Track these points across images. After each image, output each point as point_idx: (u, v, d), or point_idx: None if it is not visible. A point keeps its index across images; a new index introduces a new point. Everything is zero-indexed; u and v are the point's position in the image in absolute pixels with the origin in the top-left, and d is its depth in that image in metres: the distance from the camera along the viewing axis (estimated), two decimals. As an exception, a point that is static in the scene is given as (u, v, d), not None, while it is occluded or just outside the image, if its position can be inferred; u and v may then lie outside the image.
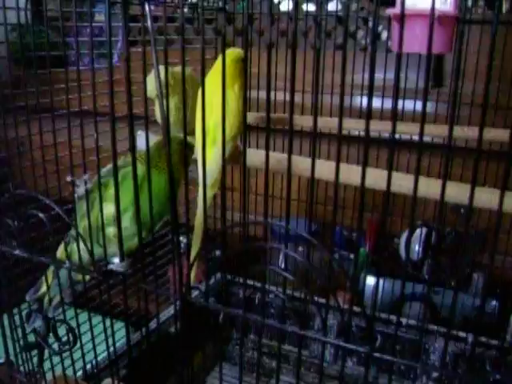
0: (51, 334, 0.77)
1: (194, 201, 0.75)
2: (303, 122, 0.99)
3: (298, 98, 1.12)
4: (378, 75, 1.16)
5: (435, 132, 0.95)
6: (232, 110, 0.73)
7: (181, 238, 1.18)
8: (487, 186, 1.04)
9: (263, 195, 0.54)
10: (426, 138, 1.01)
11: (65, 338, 0.72)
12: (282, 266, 1.38)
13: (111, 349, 0.78)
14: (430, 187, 0.64)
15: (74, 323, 0.78)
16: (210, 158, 0.73)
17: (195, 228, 0.76)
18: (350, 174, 0.65)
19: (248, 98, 0.61)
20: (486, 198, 0.59)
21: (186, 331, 0.65)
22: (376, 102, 1.10)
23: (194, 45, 1.20)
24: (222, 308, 0.54)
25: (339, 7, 1.41)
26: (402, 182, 0.66)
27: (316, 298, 1.07)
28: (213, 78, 0.72)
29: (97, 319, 0.80)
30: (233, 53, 0.77)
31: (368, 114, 0.44)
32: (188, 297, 0.57)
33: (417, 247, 1.24)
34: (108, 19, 0.51)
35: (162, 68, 0.71)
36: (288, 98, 1.08)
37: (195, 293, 0.61)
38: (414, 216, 0.50)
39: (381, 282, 1.23)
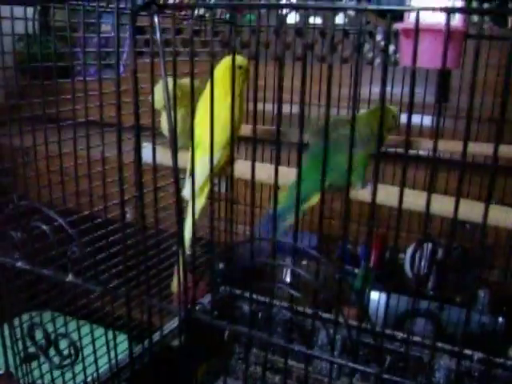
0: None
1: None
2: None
3: (287, 109, 1.11)
4: (387, 89, 1.15)
5: (442, 147, 0.94)
6: (224, 120, 0.70)
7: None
8: (493, 201, 1.03)
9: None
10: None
11: (66, 352, 0.71)
12: (287, 279, 1.38)
13: (113, 361, 0.77)
14: (440, 204, 0.64)
15: (75, 335, 0.77)
16: (197, 166, 0.70)
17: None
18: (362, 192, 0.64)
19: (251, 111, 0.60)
20: (500, 216, 0.59)
21: (190, 346, 0.64)
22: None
23: (200, 56, 1.20)
24: (228, 325, 0.53)
25: (346, 21, 1.41)
26: (410, 198, 0.65)
27: (320, 313, 1.06)
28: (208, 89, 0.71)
29: (99, 331, 0.79)
30: (228, 60, 0.76)
31: (380, 130, 0.44)
32: (192, 313, 0.56)
33: (422, 263, 1.23)
34: (117, 30, 0.50)
35: (169, 79, 0.71)
36: (294, 110, 1.08)
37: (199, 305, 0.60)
38: (426, 232, 0.49)
39: (385, 297, 1.21)
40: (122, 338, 0.81)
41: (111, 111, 0.60)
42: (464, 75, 0.98)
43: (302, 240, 1.20)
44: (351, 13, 1.50)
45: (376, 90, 1.17)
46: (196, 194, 0.68)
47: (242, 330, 0.51)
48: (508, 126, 1.00)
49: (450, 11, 0.37)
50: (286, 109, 1.06)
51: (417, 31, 0.40)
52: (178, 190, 0.58)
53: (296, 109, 1.04)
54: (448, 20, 0.37)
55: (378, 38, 1.51)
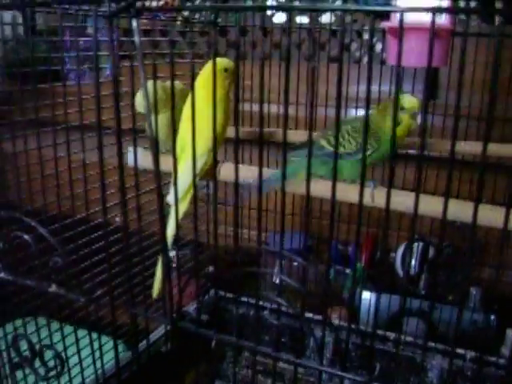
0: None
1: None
2: (296, 137, 0.97)
3: (291, 110, 1.10)
4: (373, 87, 1.14)
5: (433, 146, 0.93)
6: (207, 124, 0.68)
7: (173, 253, 1.16)
8: (483, 199, 1.03)
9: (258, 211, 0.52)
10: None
11: (52, 363, 0.70)
12: (278, 281, 1.37)
13: (99, 371, 0.76)
14: (428, 204, 0.63)
15: (61, 344, 0.75)
16: (181, 171, 0.69)
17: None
18: (348, 192, 0.63)
19: (240, 111, 0.59)
20: (491, 215, 0.58)
21: (178, 352, 0.63)
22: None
23: (186, 58, 1.19)
24: (215, 334, 0.52)
25: (333, 19, 1.40)
26: (400, 199, 0.64)
27: (312, 315, 1.05)
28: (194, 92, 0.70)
29: (86, 340, 0.77)
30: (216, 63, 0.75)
31: (365, 130, 0.43)
32: (178, 322, 0.54)
33: (413, 262, 1.22)
34: (95, 32, 0.49)
35: (152, 83, 0.70)
36: (282, 111, 1.07)
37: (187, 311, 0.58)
38: (413, 234, 0.48)
39: (376, 296, 1.21)
40: (110, 344, 0.80)
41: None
42: (452, 73, 0.97)
43: (292, 240, 1.19)
44: (338, 12, 1.48)
45: (363, 88, 1.16)
46: (180, 198, 0.67)
47: (229, 339, 0.50)
48: (498, 124, 1.00)
49: (434, 11, 0.36)
50: (273, 109, 1.05)
51: (401, 31, 0.39)
52: (160, 192, 0.58)
53: (282, 109, 1.03)
54: (433, 20, 0.36)
55: (366, 36, 1.50)
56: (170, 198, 0.69)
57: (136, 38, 0.44)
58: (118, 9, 0.45)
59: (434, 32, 0.37)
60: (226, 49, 1.28)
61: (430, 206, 0.62)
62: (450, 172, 0.48)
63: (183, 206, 0.73)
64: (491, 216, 0.58)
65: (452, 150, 0.47)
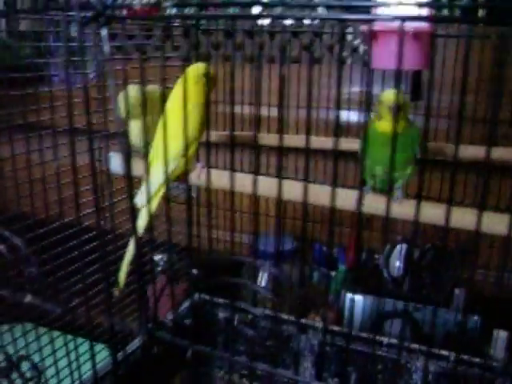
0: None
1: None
2: (271, 140, 0.96)
3: (274, 112, 1.10)
4: (355, 89, 1.14)
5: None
6: (181, 128, 0.67)
7: (159, 257, 1.15)
8: (466, 201, 1.03)
9: (250, 214, 0.52)
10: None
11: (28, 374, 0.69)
12: (263, 283, 1.36)
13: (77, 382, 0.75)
14: (403, 208, 0.63)
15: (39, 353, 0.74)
16: (152, 173, 0.69)
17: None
18: (320, 195, 0.63)
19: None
20: (468, 218, 0.57)
21: (159, 360, 0.62)
22: (354, 116, 1.09)
23: (171, 61, 1.18)
24: (189, 345, 0.51)
25: (316, 21, 1.40)
26: (376, 204, 0.64)
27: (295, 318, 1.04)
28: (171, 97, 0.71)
29: (64, 350, 0.76)
30: (192, 69, 0.75)
31: (336, 128, 0.43)
32: (155, 332, 0.54)
33: (397, 263, 1.22)
34: (65, 40, 0.49)
35: (132, 87, 0.69)
36: (266, 113, 1.06)
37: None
38: (387, 238, 0.48)
39: (361, 299, 1.20)
40: (97, 348, 0.79)
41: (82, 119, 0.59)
42: (433, 74, 0.97)
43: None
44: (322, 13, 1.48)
45: (345, 89, 1.16)
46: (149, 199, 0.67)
47: (204, 349, 0.49)
48: (480, 124, 1.01)
49: (404, 19, 0.36)
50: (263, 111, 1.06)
51: (371, 37, 0.39)
52: (132, 195, 0.57)
53: (272, 112, 1.02)
54: (401, 28, 0.36)
55: (349, 38, 1.50)
56: (137, 200, 0.68)
57: (105, 47, 0.43)
58: (89, 18, 0.44)
59: (402, 39, 0.37)
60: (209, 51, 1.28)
61: (404, 209, 0.62)
62: (421, 173, 0.48)
63: (153, 207, 0.73)
64: (465, 219, 0.58)
65: (424, 151, 0.47)
